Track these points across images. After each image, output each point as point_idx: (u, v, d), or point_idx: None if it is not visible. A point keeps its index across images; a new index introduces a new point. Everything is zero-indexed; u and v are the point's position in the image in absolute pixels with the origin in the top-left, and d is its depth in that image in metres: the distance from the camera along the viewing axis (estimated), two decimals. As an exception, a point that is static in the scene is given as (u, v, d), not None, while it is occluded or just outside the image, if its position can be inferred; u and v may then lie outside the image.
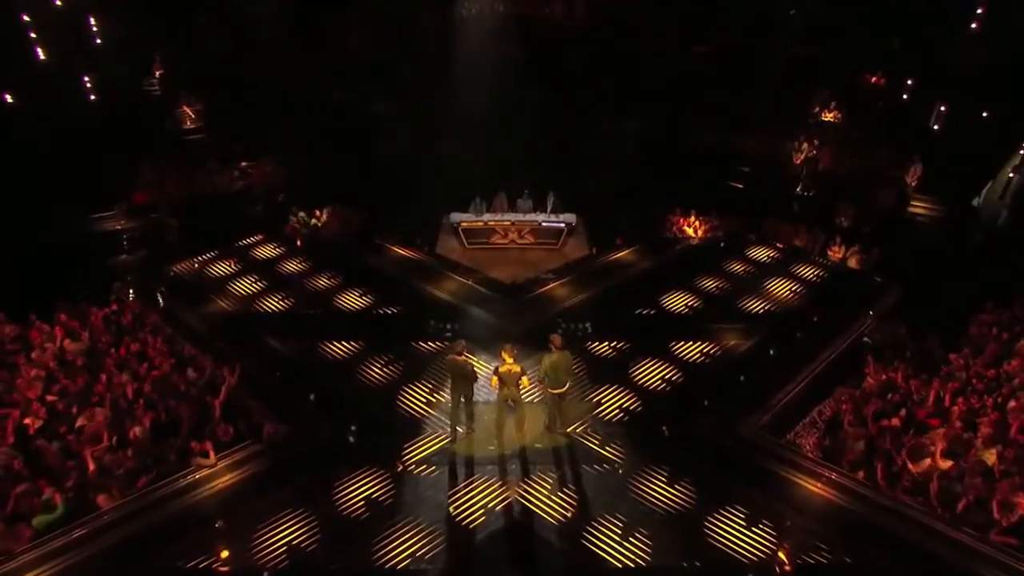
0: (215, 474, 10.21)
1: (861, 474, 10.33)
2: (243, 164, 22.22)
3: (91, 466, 9.78)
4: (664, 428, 11.70)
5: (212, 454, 10.32)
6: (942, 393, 11.53)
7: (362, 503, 10.06)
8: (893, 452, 10.33)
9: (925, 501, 9.67)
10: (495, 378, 10.85)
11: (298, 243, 18.79)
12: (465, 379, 10.99)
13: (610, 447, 11.26)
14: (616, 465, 10.87)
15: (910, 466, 10.11)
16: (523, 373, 10.97)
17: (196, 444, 10.45)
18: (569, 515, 9.88)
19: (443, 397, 12.33)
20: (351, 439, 11.29)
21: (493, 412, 11.29)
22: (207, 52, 23.38)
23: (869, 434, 10.76)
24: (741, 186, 22.39)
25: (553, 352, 10.90)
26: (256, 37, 22.99)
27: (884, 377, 12.33)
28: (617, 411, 12.21)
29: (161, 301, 15.33)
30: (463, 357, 10.92)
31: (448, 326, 14.55)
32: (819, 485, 10.27)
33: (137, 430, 10.33)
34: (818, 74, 24.22)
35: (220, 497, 9.99)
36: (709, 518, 9.80)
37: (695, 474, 10.58)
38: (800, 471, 10.54)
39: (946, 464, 9.99)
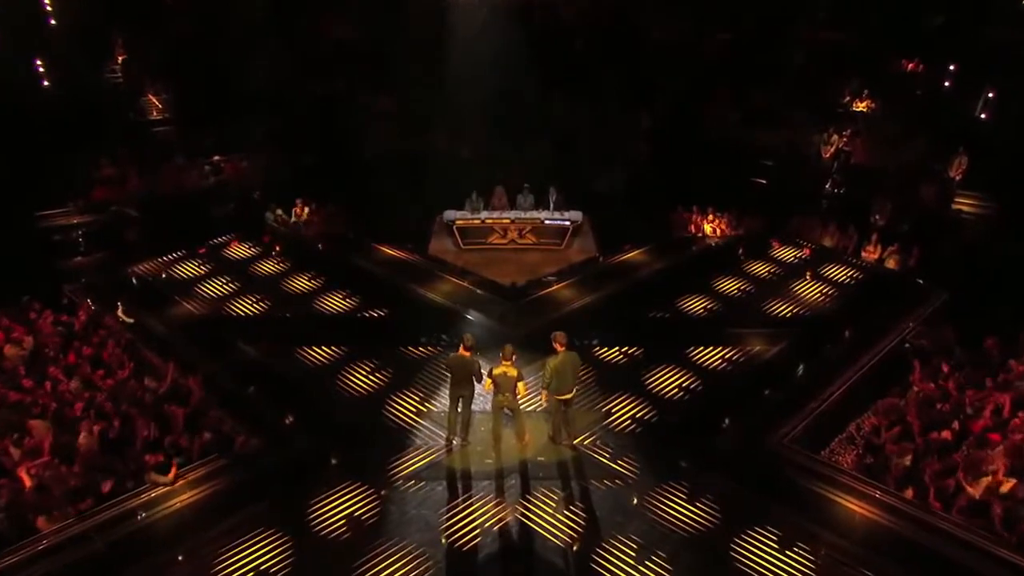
0: (174, 492, 9.94)
1: (910, 492, 9.97)
2: (215, 159, 22.04)
3: (27, 483, 9.44)
4: (683, 440, 11.48)
5: (174, 469, 10.00)
6: (1000, 403, 11.18)
7: (342, 522, 9.82)
8: (944, 469, 9.97)
9: (986, 524, 9.30)
10: (488, 380, 10.73)
11: (276, 249, 18.40)
12: (467, 378, 10.82)
13: (622, 461, 11.02)
14: (629, 481, 10.63)
15: (967, 485, 9.75)
16: (520, 378, 10.76)
17: (151, 458, 10.12)
18: (576, 536, 9.63)
19: (434, 406, 12.22)
20: (333, 460, 10.98)
21: (490, 422, 11.13)
22: (175, 36, 23.25)
23: (916, 448, 10.42)
24: (765, 182, 22.24)
25: (558, 353, 10.66)
26: (230, 21, 22.88)
27: (932, 386, 12.03)
28: (630, 421, 11.98)
29: (120, 305, 15.01)
30: (469, 353, 10.72)
31: (443, 335, 14.34)
32: (861, 504, 9.95)
33: (83, 442, 9.99)
34: (849, 61, 24.08)
35: (178, 517, 9.71)
36: (735, 540, 9.55)
37: (718, 491, 10.33)
38: (839, 488, 10.23)
39: (1009, 483, 9.64)
